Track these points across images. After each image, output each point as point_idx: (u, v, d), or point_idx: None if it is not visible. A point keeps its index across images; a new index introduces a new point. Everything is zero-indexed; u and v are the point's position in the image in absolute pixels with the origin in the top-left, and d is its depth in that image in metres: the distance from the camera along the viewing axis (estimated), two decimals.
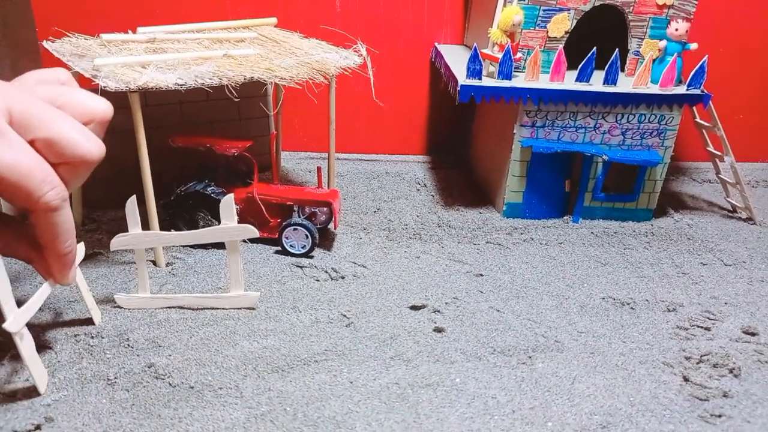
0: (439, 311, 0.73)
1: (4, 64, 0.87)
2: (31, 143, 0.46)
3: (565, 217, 1.00)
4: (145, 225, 0.71)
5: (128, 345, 0.63)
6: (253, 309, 0.71)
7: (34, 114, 0.46)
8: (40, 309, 0.57)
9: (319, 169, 0.88)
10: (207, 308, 0.71)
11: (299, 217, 0.85)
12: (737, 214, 1.06)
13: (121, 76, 0.67)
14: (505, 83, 0.89)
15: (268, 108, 1.04)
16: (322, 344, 0.65)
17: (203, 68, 0.72)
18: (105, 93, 0.58)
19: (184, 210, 0.84)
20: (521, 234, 0.94)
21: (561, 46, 0.93)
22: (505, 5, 0.90)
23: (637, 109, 0.92)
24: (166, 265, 0.80)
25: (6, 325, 0.51)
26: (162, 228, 0.76)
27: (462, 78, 0.90)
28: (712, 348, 0.68)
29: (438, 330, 0.69)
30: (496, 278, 0.81)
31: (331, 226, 0.89)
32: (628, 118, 0.93)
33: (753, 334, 0.71)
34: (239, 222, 0.67)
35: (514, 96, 0.89)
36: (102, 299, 0.71)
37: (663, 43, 0.93)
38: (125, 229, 0.66)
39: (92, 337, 0.64)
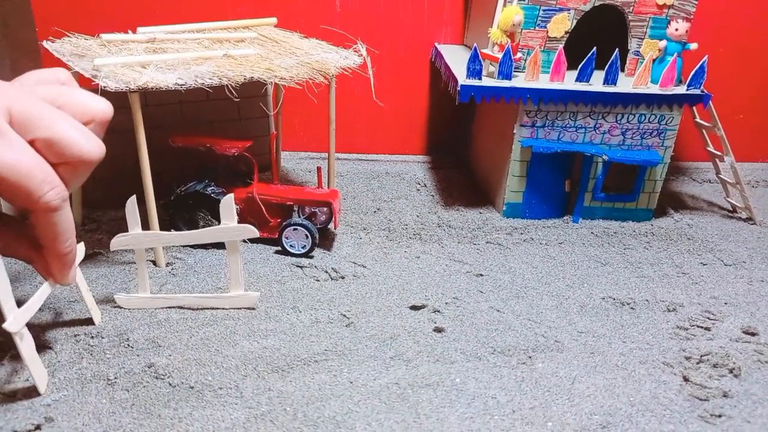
0: (439, 311, 0.73)
1: (4, 64, 0.87)
2: (31, 143, 0.46)
3: (565, 217, 1.00)
4: (145, 225, 0.71)
5: (128, 345, 0.63)
6: (253, 309, 0.71)
7: (35, 114, 0.46)
8: (40, 309, 0.57)
9: (319, 169, 0.88)
10: (207, 308, 0.71)
11: (299, 217, 0.85)
12: (737, 214, 1.06)
13: (121, 76, 0.67)
14: (505, 83, 0.89)
15: (268, 108, 1.04)
16: (322, 344, 0.65)
17: (203, 68, 0.72)
18: (105, 93, 0.58)
19: (184, 210, 0.84)
20: (521, 234, 0.94)
21: (561, 46, 0.93)
22: (505, 5, 0.90)
23: (637, 109, 0.92)
24: (166, 265, 0.80)
25: (6, 325, 0.51)
26: (162, 228, 0.76)
27: (462, 78, 0.90)
28: (712, 348, 0.68)
29: (438, 330, 0.69)
30: (496, 278, 0.81)
31: (331, 226, 0.89)
32: (628, 118, 0.93)
33: (753, 334, 0.71)
34: (239, 222, 0.67)
35: (514, 96, 0.89)
36: (102, 299, 0.71)
37: (663, 43, 0.93)
38: (125, 229, 0.66)
39: (92, 337, 0.64)
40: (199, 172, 0.85)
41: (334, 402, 0.57)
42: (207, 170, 0.85)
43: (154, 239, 0.69)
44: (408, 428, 0.55)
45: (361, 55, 0.87)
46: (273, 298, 0.74)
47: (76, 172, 0.49)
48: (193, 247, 0.84)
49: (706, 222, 1.02)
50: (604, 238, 0.94)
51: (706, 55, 0.91)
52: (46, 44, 0.80)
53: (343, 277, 0.79)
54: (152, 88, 0.67)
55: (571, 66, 0.91)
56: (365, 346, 0.66)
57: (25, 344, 0.53)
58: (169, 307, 0.70)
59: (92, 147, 0.48)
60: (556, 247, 0.91)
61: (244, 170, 0.88)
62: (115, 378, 0.59)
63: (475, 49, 0.88)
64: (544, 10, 0.91)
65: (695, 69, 0.91)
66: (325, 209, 0.88)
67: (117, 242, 0.67)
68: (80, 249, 0.62)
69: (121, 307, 0.70)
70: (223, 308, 0.71)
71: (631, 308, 0.76)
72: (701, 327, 0.72)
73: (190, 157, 0.84)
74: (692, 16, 0.93)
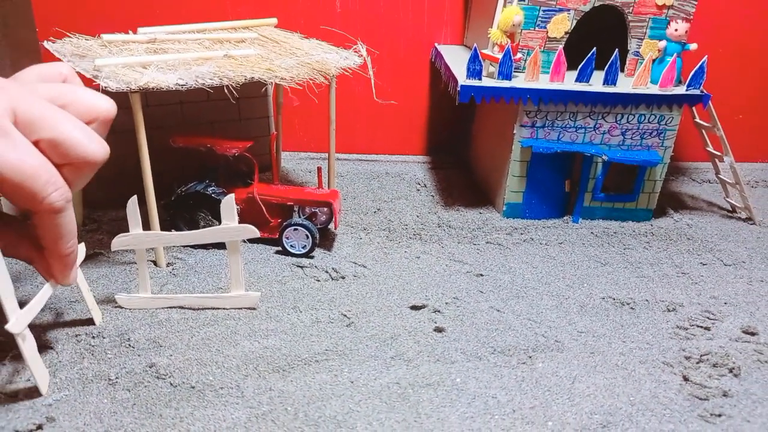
0: (439, 311, 0.73)
1: (4, 65, 0.87)
2: (36, 144, 0.46)
3: (565, 217, 1.00)
4: (146, 225, 0.71)
5: (129, 345, 0.63)
6: (254, 309, 0.71)
7: (39, 114, 0.46)
8: (41, 309, 0.57)
9: (319, 169, 0.88)
10: (208, 308, 0.71)
11: (300, 217, 0.85)
12: (737, 214, 1.06)
13: (122, 77, 0.67)
14: (505, 83, 0.89)
15: (270, 109, 1.04)
16: (323, 344, 0.66)
17: (204, 68, 0.72)
18: (106, 93, 0.58)
19: (184, 210, 0.84)
20: (521, 234, 0.94)
21: (561, 46, 0.93)
22: (505, 5, 0.91)
23: (636, 109, 0.92)
24: (167, 266, 0.80)
25: (9, 326, 0.51)
26: (163, 228, 0.76)
27: (462, 78, 0.90)
28: (711, 348, 0.68)
29: (438, 330, 0.69)
30: (496, 278, 0.81)
31: (331, 226, 0.90)
32: (627, 118, 0.93)
33: (753, 334, 0.71)
34: (240, 222, 0.67)
35: (514, 96, 0.89)
36: (103, 299, 0.71)
37: (663, 44, 0.93)
38: (126, 230, 0.66)
39: (93, 337, 0.64)
40: (199, 173, 0.85)
41: (335, 401, 0.57)
42: (208, 170, 0.86)
43: (154, 239, 0.69)
44: (409, 428, 0.55)
45: (362, 55, 0.87)
46: (274, 298, 0.74)
47: (80, 173, 0.49)
48: (194, 247, 0.84)
49: (705, 222, 1.02)
50: (604, 238, 0.94)
51: (706, 56, 0.91)
52: (46, 44, 0.80)
53: (343, 277, 0.79)
54: (153, 89, 0.67)
55: (571, 66, 0.91)
56: (366, 346, 0.66)
57: (27, 345, 0.54)
58: (170, 307, 0.70)
59: (96, 148, 0.48)
60: (556, 247, 0.91)
61: (245, 170, 0.88)
62: (117, 378, 0.59)
63: (475, 49, 0.88)
64: (543, 11, 0.92)
65: (695, 69, 0.91)
66: (325, 209, 0.88)
67: (118, 242, 0.67)
68: (81, 249, 0.62)
69: (122, 307, 0.70)
70: (223, 308, 0.71)
71: (631, 308, 0.76)
72: (701, 327, 0.72)
73: (191, 158, 0.84)
74: (692, 17, 0.93)
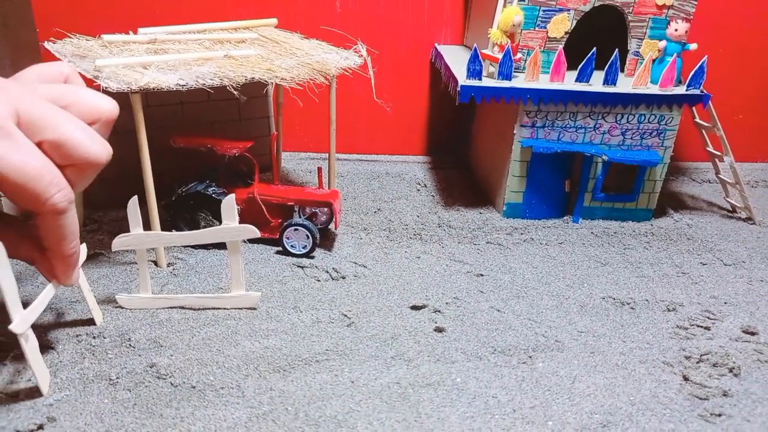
0: (439, 311, 0.73)
1: (4, 65, 0.87)
2: (39, 145, 0.46)
3: (565, 217, 1.00)
4: (147, 225, 0.71)
5: (130, 345, 0.64)
6: (255, 309, 0.71)
7: (42, 116, 0.46)
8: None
9: (319, 169, 0.88)
10: (208, 308, 0.71)
11: (300, 217, 0.85)
12: (737, 214, 1.06)
13: (123, 77, 0.67)
14: (505, 84, 0.89)
15: (270, 109, 1.04)
16: (324, 344, 0.66)
17: (204, 69, 0.72)
18: (107, 94, 0.58)
19: (185, 210, 0.85)
20: (521, 234, 0.94)
21: (561, 46, 0.93)
22: (505, 6, 0.91)
23: (636, 109, 0.92)
24: (168, 266, 0.80)
25: (12, 327, 0.51)
26: (163, 228, 0.76)
27: (462, 78, 0.90)
28: (711, 347, 0.68)
29: (439, 330, 0.69)
30: (497, 278, 0.81)
31: (331, 226, 0.90)
32: (627, 118, 0.93)
33: (753, 334, 0.71)
34: (240, 222, 0.67)
35: (514, 96, 0.89)
36: (103, 299, 0.71)
37: (663, 44, 0.93)
38: (127, 230, 0.67)
39: (94, 338, 0.64)
40: (200, 173, 0.85)
41: (335, 401, 0.57)
42: (208, 171, 0.86)
43: (155, 239, 0.69)
44: (409, 427, 0.55)
45: (362, 55, 0.87)
46: (274, 298, 0.74)
47: (82, 174, 0.49)
48: (195, 247, 0.84)
49: (705, 222, 1.02)
50: (604, 238, 0.94)
51: (706, 56, 0.91)
52: (47, 45, 0.80)
53: (343, 277, 0.79)
54: (154, 89, 0.67)
55: (571, 66, 0.91)
56: (366, 346, 0.66)
57: (30, 345, 0.54)
58: (171, 308, 0.70)
59: (99, 149, 0.48)
60: (556, 247, 0.91)
61: (245, 171, 0.88)
62: (117, 378, 0.59)
63: (475, 49, 0.88)
64: (543, 11, 0.92)
65: (695, 69, 0.91)
66: (325, 209, 0.88)
67: (118, 242, 0.67)
68: (83, 250, 0.62)
69: (122, 308, 0.70)
70: (224, 308, 0.71)
71: (631, 308, 0.76)
72: (701, 326, 0.72)
73: (191, 158, 0.84)
74: (692, 17, 0.93)
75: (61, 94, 0.49)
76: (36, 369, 0.55)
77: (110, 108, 0.51)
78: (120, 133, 0.70)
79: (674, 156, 1.00)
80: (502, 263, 0.85)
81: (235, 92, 0.72)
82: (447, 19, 1.15)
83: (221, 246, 0.81)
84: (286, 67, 0.77)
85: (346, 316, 0.71)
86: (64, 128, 0.46)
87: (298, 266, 0.82)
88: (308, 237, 0.83)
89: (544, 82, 0.91)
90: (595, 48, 0.90)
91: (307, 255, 0.84)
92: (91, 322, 0.67)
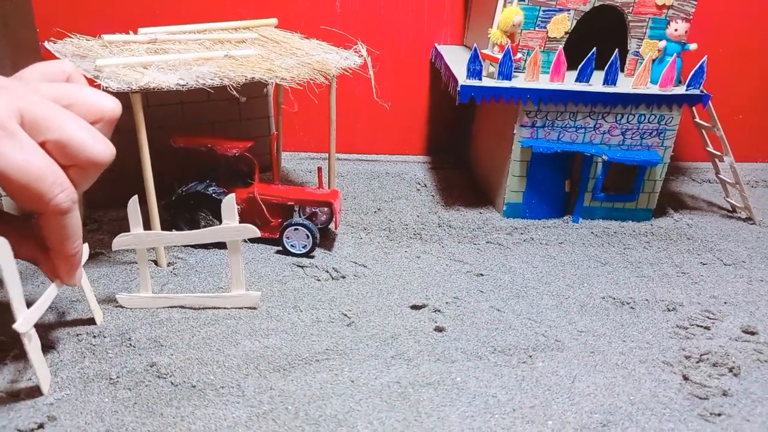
0: (439, 311, 0.73)
1: (4, 65, 0.87)
2: (42, 145, 0.46)
3: (565, 217, 1.00)
4: (147, 225, 0.71)
5: (130, 344, 0.64)
6: (255, 308, 0.71)
7: (45, 115, 0.46)
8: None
9: (319, 169, 0.88)
10: (208, 308, 0.71)
11: (300, 217, 0.85)
12: (737, 214, 1.06)
13: (123, 77, 0.68)
14: (505, 83, 0.89)
15: (270, 109, 1.04)
16: (324, 343, 0.66)
17: (204, 69, 0.72)
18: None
19: (185, 210, 0.85)
20: (521, 234, 0.94)
21: (561, 46, 0.93)
22: (505, 6, 0.91)
23: (636, 109, 0.93)
24: (168, 265, 0.80)
25: (16, 326, 0.51)
26: (163, 228, 0.76)
27: (462, 78, 0.90)
28: (711, 347, 0.68)
29: (439, 329, 0.69)
30: (497, 278, 0.81)
31: (331, 226, 0.90)
32: (627, 118, 0.93)
33: (752, 333, 0.71)
34: (240, 222, 0.67)
35: (514, 96, 0.89)
36: (104, 299, 0.71)
37: (662, 44, 0.93)
38: (127, 229, 0.67)
39: (94, 337, 0.65)
40: (200, 173, 0.85)
41: (335, 401, 0.57)
42: (208, 170, 0.86)
43: (155, 239, 0.69)
44: (409, 427, 0.55)
45: (362, 55, 0.87)
46: (274, 297, 0.74)
47: (85, 174, 0.49)
48: (195, 246, 0.84)
49: (705, 222, 1.02)
50: (604, 238, 0.94)
51: (706, 56, 0.91)
52: (47, 45, 0.80)
53: (344, 277, 0.79)
54: (154, 89, 0.67)
55: (571, 66, 0.91)
56: (366, 346, 0.66)
57: (33, 345, 0.54)
58: (171, 307, 0.70)
59: (102, 149, 0.48)
60: (556, 246, 0.91)
61: (245, 170, 0.89)
62: (118, 377, 0.59)
63: (475, 49, 0.88)
64: (543, 11, 0.92)
65: (695, 69, 0.91)
66: (325, 209, 0.88)
67: (119, 242, 0.67)
68: (85, 249, 0.62)
69: (122, 307, 0.70)
70: (224, 308, 0.71)
71: (631, 308, 0.76)
72: (701, 326, 0.72)
73: (192, 158, 0.84)
74: (692, 17, 0.93)
75: (64, 93, 0.49)
76: (38, 368, 0.55)
77: (113, 107, 0.51)
78: (120, 132, 0.70)
79: (674, 156, 1.00)
80: (502, 263, 0.85)
81: (234, 92, 0.72)
82: (447, 19, 1.15)
83: (221, 245, 0.81)
84: (286, 67, 0.77)
85: (346, 315, 0.71)
86: (68, 128, 0.46)
87: (298, 266, 0.82)
88: (308, 236, 0.83)
89: (544, 82, 0.91)
90: (595, 48, 0.90)
91: (307, 255, 0.84)
92: (91, 321, 0.67)
